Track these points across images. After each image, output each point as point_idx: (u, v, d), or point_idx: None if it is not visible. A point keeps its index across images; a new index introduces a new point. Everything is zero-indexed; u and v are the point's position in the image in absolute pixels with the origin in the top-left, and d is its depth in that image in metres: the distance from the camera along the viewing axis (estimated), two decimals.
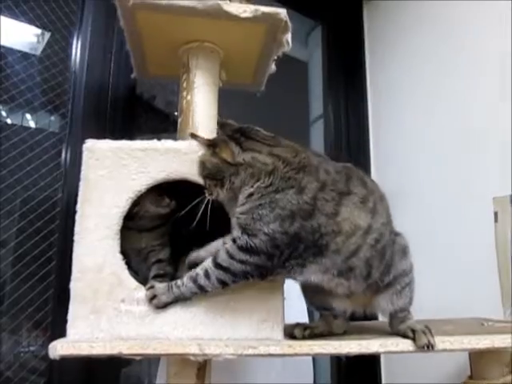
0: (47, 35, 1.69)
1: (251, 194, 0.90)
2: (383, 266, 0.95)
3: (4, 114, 1.47)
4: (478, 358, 1.12)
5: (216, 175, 0.94)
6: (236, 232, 0.89)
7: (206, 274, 0.89)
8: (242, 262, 0.87)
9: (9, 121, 1.47)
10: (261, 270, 0.88)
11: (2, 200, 1.28)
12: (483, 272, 1.50)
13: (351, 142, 2.05)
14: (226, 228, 0.96)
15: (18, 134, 1.37)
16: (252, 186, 0.90)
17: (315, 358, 1.65)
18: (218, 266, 0.88)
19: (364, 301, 1.01)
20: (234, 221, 0.92)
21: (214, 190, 0.94)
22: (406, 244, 1.01)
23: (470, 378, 1.15)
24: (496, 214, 1.47)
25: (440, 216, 1.69)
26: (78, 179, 1.31)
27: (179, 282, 0.92)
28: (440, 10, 1.83)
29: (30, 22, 1.64)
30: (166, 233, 1.12)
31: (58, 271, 1.32)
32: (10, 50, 1.57)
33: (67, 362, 1.28)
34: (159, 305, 0.92)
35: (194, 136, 1.01)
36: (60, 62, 1.45)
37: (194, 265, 0.93)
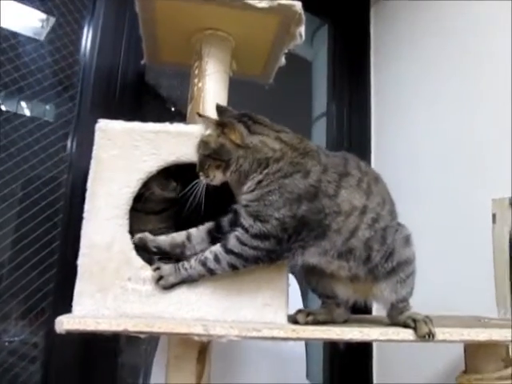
0: (52, 20, 1.70)
1: (260, 181, 0.92)
2: (384, 251, 0.97)
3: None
4: (473, 352, 1.14)
5: (222, 156, 0.94)
6: (247, 220, 0.90)
7: (216, 259, 0.91)
8: (254, 248, 0.89)
9: (23, 105, 1.48)
10: (271, 254, 0.90)
11: (9, 178, 1.28)
12: (479, 272, 1.53)
13: (353, 140, 2.08)
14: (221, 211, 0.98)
15: (24, 117, 1.38)
16: (261, 173, 0.92)
17: (308, 356, 1.66)
18: (229, 251, 0.90)
19: (366, 289, 1.03)
20: (240, 208, 0.93)
21: (213, 172, 0.95)
22: (408, 233, 1.03)
23: (465, 372, 1.17)
24: (494, 215, 1.49)
25: (439, 216, 1.71)
26: (83, 161, 1.33)
27: (186, 264, 0.93)
28: (447, 12, 1.85)
29: (39, 5, 1.65)
30: (172, 216, 1.13)
31: (61, 251, 1.33)
32: (17, 35, 1.57)
33: (64, 348, 1.30)
34: (166, 285, 0.93)
35: (201, 116, 1.02)
36: (70, 45, 1.46)
37: (143, 247, 0.96)
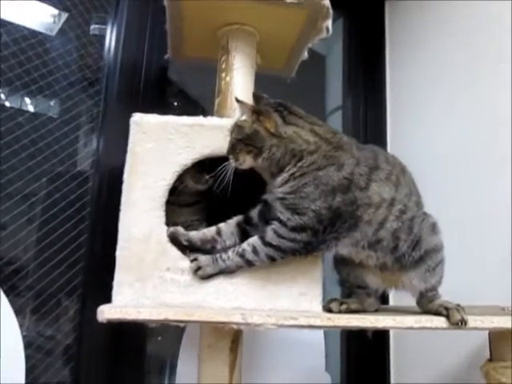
0: (64, 16, 1.71)
1: (294, 173, 0.94)
2: (411, 240, 1.00)
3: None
4: (498, 340, 1.16)
5: (255, 142, 0.96)
6: (284, 214, 0.93)
7: (255, 251, 0.93)
8: (291, 240, 0.92)
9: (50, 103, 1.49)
10: (307, 246, 0.93)
11: (39, 172, 1.30)
12: (498, 263, 1.54)
13: (369, 134, 2.09)
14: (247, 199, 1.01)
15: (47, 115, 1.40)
16: (295, 166, 0.95)
17: (327, 350, 1.68)
18: (267, 244, 0.93)
19: (395, 279, 1.05)
20: (274, 200, 0.95)
21: (243, 156, 0.97)
22: (434, 221, 1.06)
23: (490, 360, 1.19)
24: None
25: (457, 209, 1.72)
26: (110, 156, 1.34)
27: (224, 255, 0.95)
28: (462, 8, 1.86)
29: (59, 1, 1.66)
30: (204, 208, 1.15)
31: (88, 245, 1.35)
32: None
33: (93, 341, 1.32)
34: (204, 276, 0.96)
35: (238, 101, 1.04)
36: (95, 41, 1.47)
37: (174, 241, 0.97)
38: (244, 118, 1.00)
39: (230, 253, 0.95)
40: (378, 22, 2.20)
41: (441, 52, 1.94)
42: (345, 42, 2.21)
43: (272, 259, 0.94)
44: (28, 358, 1.14)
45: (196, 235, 0.99)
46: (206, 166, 1.07)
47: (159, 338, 1.58)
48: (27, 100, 1.54)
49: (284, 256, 0.94)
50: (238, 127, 0.99)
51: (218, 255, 0.96)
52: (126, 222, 0.98)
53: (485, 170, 1.66)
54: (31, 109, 1.53)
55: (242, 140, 0.97)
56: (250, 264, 0.94)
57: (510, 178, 1.53)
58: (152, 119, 1.03)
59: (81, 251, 1.35)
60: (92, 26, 1.60)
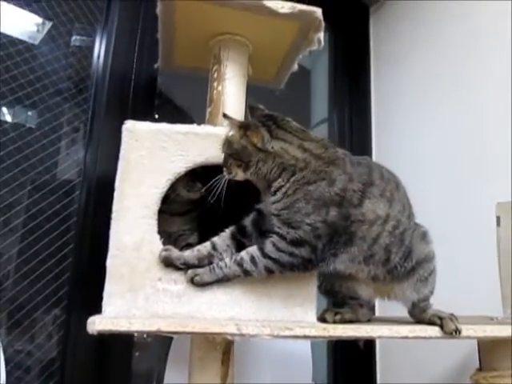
0: (48, 24, 1.69)
1: (286, 190, 0.93)
2: (402, 251, 0.99)
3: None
4: (488, 350, 1.17)
5: (242, 157, 0.96)
6: (281, 228, 0.92)
7: (253, 261, 0.92)
8: (290, 254, 0.91)
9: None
10: (307, 263, 0.92)
11: (24, 180, 1.26)
12: (484, 274, 1.57)
13: (354, 146, 2.11)
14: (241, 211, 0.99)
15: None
16: (288, 181, 0.94)
17: (313, 358, 1.67)
18: (266, 256, 0.91)
19: (388, 289, 1.05)
20: (269, 213, 0.95)
21: (234, 169, 0.97)
22: (425, 230, 1.06)
23: (480, 370, 1.20)
24: (499, 218, 1.53)
25: (444, 220, 1.75)
26: (97, 164, 1.32)
27: (221, 263, 0.94)
28: (446, 19, 1.91)
29: (42, 9, 1.64)
30: (196, 218, 1.13)
31: (74, 255, 1.31)
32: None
33: (78, 353, 1.28)
34: (201, 282, 0.94)
35: (226, 116, 1.03)
36: (85, 49, 1.46)
37: (169, 263, 0.95)
38: (232, 132, 0.99)
39: (227, 260, 0.94)
40: (362, 36, 2.24)
41: (424, 65, 1.99)
42: (330, 56, 2.25)
43: (270, 271, 0.92)
44: (8, 374, 1.09)
45: (191, 255, 0.96)
46: (198, 174, 1.06)
47: (145, 353, 1.54)
48: (4, 110, 1.51)
49: (282, 271, 0.92)
50: (227, 142, 0.99)
51: (214, 264, 0.94)
52: (118, 230, 0.96)
53: (468, 177, 1.69)
54: (9, 119, 1.49)
55: (231, 155, 0.97)
56: (247, 274, 0.93)
57: (496, 185, 1.56)
58: (145, 127, 1.01)
59: (66, 262, 1.32)
60: (73, 37, 1.58)
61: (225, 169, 0.98)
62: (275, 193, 0.94)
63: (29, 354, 1.29)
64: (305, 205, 0.91)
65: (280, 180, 0.94)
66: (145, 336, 1.47)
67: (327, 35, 2.27)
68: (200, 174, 1.06)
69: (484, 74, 1.72)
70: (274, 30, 1.23)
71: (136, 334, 1.23)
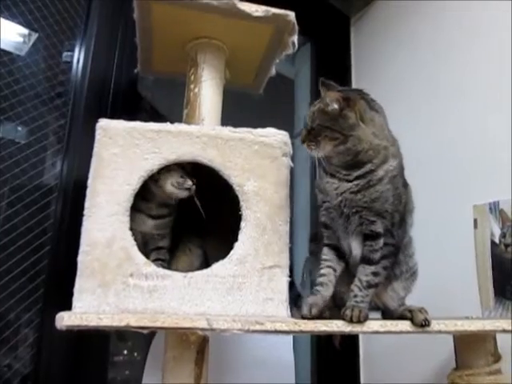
0: (34, 36, 1.70)
1: (381, 178, 0.97)
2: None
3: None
4: (463, 347, 1.17)
5: (344, 129, 0.95)
6: (376, 224, 0.98)
7: (375, 274, 0.97)
8: (386, 244, 0.99)
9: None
10: (396, 250, 1.01)
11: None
12: (462, 276, 1.58)
13: None
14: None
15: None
16: (378, 166, 0.98)
17: (296, 360, 1.66)
18: (378, 261, 0.98)
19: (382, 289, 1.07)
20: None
21: (325, 143, 0.96)
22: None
23: (456, 369, 1.20)
24: (475, 220, 1.56)
25: (421, 223, 1.76)
26: (76, 169, 1.32)
27: (357, 298, 0.95)
28: (426, 29, 1.96)
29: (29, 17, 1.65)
30: (170, 223, 1.13)
31: (50, 256, 1.30)
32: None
33: (54, 353, 1.26)
34: (366, 317, 0.94)
35: (324, 84, 1.05)
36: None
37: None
38: (330, 104, 0.96)
39: (357, 291, 0.96)
40: (343, 46, 2.29)
41: (404, 74, 2.03)
42: (312, 66, 2.28)
43: (386, 269, 0.99)
44: None
45: (326, 292, 0.99)
46: (189, 173, 1.07)
47: (123, 356, 1.52)
48: None
49: (392, 261, 1.00)
50: (323, 113, 0.97)
51: (352, 299, 0.95)
52: (89, 227, 0.96)
53: (449, 182, 1.71)
54: None
55: (329, 127, 0.95)
56: (377, 286, 0.98)
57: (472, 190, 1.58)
58: (118, 125, 1.02)
59: (42, 264, 1.31)
60: (64, 54, 1.59)
61: (309, 143, 0.99)
62: (364, 175, 0.97)
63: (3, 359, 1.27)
64: (391, 194, 0.98)
65: (374, 162, 0.97)
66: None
67: (309, 46, 2.32)
68: (190, 173, 1.07)
69: (464, 77, 1.75)
70: (249, 33, 1.26)
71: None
